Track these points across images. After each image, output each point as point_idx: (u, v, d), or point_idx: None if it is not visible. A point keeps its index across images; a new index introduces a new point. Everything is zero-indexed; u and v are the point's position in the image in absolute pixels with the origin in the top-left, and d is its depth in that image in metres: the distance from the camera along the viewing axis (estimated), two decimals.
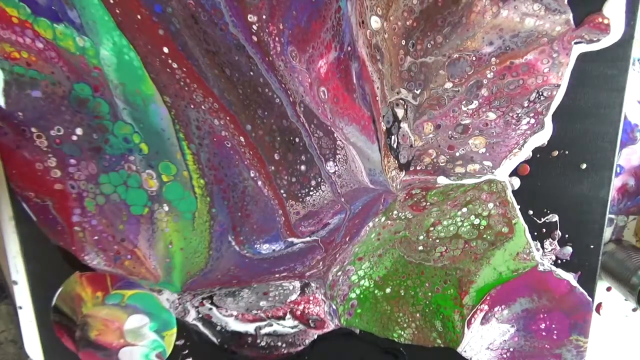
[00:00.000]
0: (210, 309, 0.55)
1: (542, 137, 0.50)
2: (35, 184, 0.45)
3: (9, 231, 0.49)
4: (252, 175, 0.47)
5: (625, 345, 0.68)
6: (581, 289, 0.56)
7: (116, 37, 0.41)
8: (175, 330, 0.56)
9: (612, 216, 0.63)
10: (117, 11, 0.40)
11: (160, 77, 0.43)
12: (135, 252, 0.49)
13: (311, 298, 0.56)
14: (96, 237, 0.48)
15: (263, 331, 0.56)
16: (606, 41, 0.47)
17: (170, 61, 0.42)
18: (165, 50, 0.42)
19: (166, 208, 0.48)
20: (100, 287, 0.53)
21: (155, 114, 0.44)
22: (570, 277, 0.56)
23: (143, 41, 0.41)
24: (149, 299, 0.54)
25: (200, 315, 0.55)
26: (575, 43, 0.46)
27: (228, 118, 0.45)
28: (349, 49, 0.45)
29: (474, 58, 0.47)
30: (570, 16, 0.45)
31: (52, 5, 0.40)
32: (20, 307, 0.52)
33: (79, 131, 0.44)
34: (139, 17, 0.41)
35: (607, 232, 0.63)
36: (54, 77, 0.42)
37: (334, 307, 0.56)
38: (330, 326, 0.57)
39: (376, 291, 0.57)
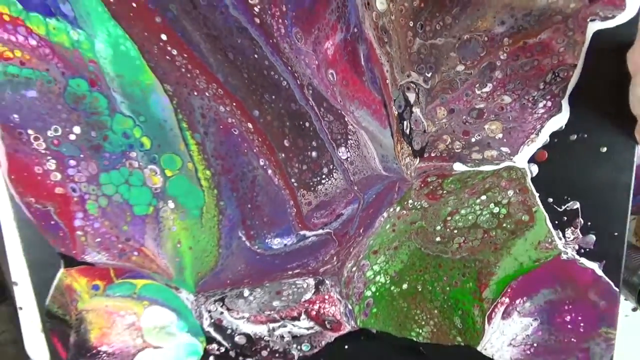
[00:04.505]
0: (222, 312, 0.53)
1: (560, 121, 0.49)
2: (35, 189, 0.44)
3: (10, 232, 0.48)
4: (261, 163, 0.46)
5: (625, 345, 0.66)
6: (607, 279, 0.54)
7: (111, 28, 0.40)
8: (204, 338, 0.52)
9: None
10: (111, 0, 0.39)
11: (159, 66, 0.42)
12: (143, 250, 0.48)
13: (326, 297, 0.54)
14: (99, 239, 0.46)
15: (277, 333, 0.54)
16: (621, 18, 0.45)
17: (169, 48, 0.41)
18: (164, 37, 0.41)
19: (172, 205, 0.46)
20: (100, 276, 0.48)
21: (156, 104, 0.43)
22: (595, 266, 0.54)
23: (139, 30, 0.40)
24: (168, 293, 0.50)
25: (212, 320, 0.53)
26: (590, 20, 0.45)
27: (234, 104, 0.44)
28: (355, 30, 0.44)
29: (485, 39, 0.46)
30: None
31: None
32: (21, 308, 0.51)
33: (76, 130, 0.43)
34: (134, 5, 0.40)
35: None
36: (49, 75, 0.41)
37: (349, 307, 0.55)
38: (347, 328, 0.56)
39: (392, 287, 0.55)
